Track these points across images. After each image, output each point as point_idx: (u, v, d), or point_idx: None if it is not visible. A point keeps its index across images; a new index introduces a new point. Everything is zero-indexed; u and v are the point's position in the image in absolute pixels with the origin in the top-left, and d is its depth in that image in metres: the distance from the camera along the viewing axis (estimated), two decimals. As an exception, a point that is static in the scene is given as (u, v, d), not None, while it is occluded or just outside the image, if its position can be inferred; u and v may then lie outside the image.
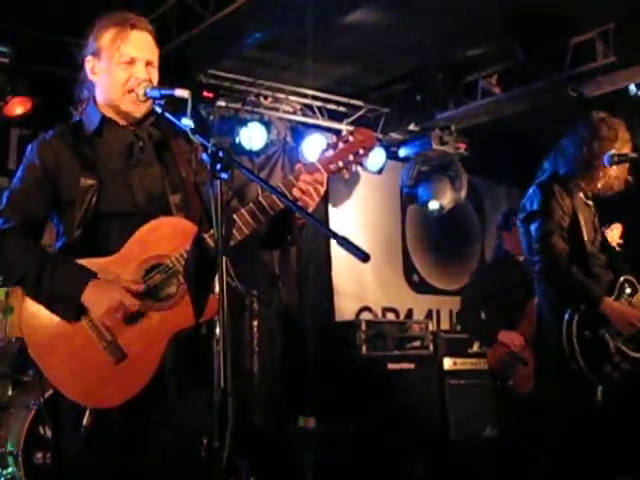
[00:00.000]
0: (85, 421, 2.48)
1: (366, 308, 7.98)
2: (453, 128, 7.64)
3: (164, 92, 2.54)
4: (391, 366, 6.85)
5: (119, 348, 2.48)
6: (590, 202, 4.09)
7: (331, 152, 2.60)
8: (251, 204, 2.55)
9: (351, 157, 2.59)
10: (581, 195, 4.05)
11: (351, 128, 2.72)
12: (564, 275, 3.82)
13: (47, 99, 6.08)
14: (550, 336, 3.87)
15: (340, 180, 7.31)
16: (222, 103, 6.98)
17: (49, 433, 4.58)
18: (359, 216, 8.12)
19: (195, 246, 2.50)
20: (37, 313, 2.53)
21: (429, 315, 8.51)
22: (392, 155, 7.97)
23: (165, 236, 2.54)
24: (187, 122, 2.42)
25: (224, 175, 2.22)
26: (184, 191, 2.68)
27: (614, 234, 4.53)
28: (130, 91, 2.61)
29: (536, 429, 4.99)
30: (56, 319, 2.51)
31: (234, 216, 2.53)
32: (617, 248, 4.39)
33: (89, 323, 2.49)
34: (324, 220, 7.50)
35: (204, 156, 2.27)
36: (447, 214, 8.32)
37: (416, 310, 8.42)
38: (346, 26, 5.96)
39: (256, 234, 2.60)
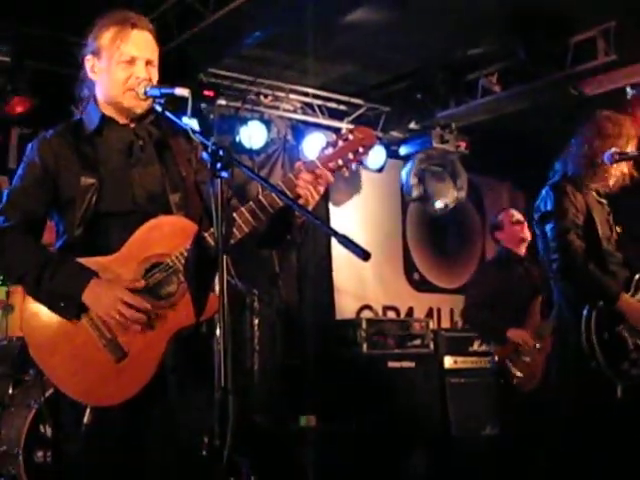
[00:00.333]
0: (86, 420, 2.48)
1: (367, 306, 7.98)
2: (454, 126, 7.64)
3: (164, 91, 2.54)
4: (392, 364, 6.85)
5: (119, 347, 2.48)
6: (603, 200, 4.10)
7: (331, 150, 2.59)
8: (251, 202, 2.55)
9: (351, 155, 2.59)
10: (593, 193, 4.06)
11: (351, 127, 2.72)
12: (582, 272, 3.83)
13: (47, 98, 6.09)
14: (569, 334, 3.88)
15: (341, 178, 7.30)
16: (222, 102, 6.99)
17: (50, 432, 4.58)
18: (360, 214, 8.12)
19: (195, 245, 2.50)
20: (38, 312, 2.53)
21: (430, 313, 8.51)
22: (392, 153, 7.97)
23: (165, 235, 2.54)
24: (187, 121, 2.42)
25: (224, 174, 2.22)
26: (184, 190, 2.68)
27: None
28: (130, 90, 2.61)
29: (539, 428, 5.01)
30: (56, 318, 2.51)
31: (234, 214, 2.53)
32: None
33: (89, 322, 2.49)
34: (325, 218, 7.49)
35: (204, 155, 2.27)
36: (447, 212, 8.33)
37: (417, 308, 8.42)
38: (346, 25, 5.97)
39: (256, 232, 2.60)
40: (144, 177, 2.65)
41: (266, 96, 7.28)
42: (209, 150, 2.24)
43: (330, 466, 5.93)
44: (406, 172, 7.98)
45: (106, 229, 2.58)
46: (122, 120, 2.70)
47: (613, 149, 3.93)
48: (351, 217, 8.02)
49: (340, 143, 2.60)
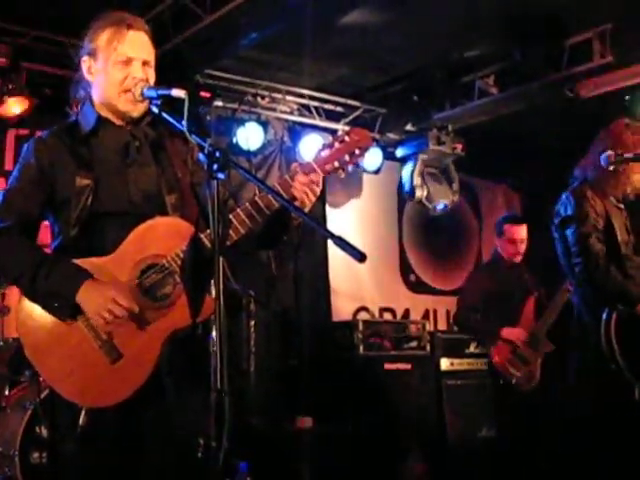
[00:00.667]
0: (81, 421, 2.48)
1: (363, 308, 7.98)
2: (450, 128, 7.65)
3: (161, 92, 2.54)
4: (388, 366, 6.84)
5: (115, 348, 2.48)
6: (621, 205, 4.17)
7: (327, 152, 2.60)
8: (247, 204, 2.55)
9: (347, 157, 2.59)
10: (612, 199, 4.12)
11: (348, 128, 2.72)
12: (603, 276, 3.91)
13: (44, 99, 6.09)
14: (589, 337, 3.95)
15: (337, 180, 7.33)
16: (219, 103, 6.99)
17: (45, 433, 4.58)
18: (356, 216, 8.12)
19: (191, 246, 2.50)
20: (33, 313, 2.53)
21: (426, 315, 8.51)
22: (389, 155, 7.96)
23: (161, 236, 2.54)
24: (183, 122, 2.42)
25: (221, 175, 2.22)
26: (180, 191, 2.68)
27: None
28: (126, 91, 2.60)
29: (536, 429, 5.04)
30: (52, 319, 2.51)
31: (230, 216, 2.53)
32: None
33: (85, 323, 2.49)
34: (321, 220, 7.50)
35: (201, 156, 2.27)
36: (444, 214, 8.33)
37: (413, 310, 8.42)
38: (343, 26, 5.96)
39: (252, 234, 2.60)
40: (140, 178, 2.65)
41: (263, 97, 7.28)
42: (206, 151, 2.24)
43: (326, 468, 5.93)
44: (408, 172, 7.92)
45: (102, 230, 2.57)
46: (118, 121, 2.70)
47: (609, 151, 3.96)
48: (347, 219, 8.02)
49: (336, 145, 2.60)
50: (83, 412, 2.48)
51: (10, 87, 5.87)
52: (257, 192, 2.57)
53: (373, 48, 6.47)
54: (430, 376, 7.02)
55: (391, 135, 7.92)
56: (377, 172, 7.84)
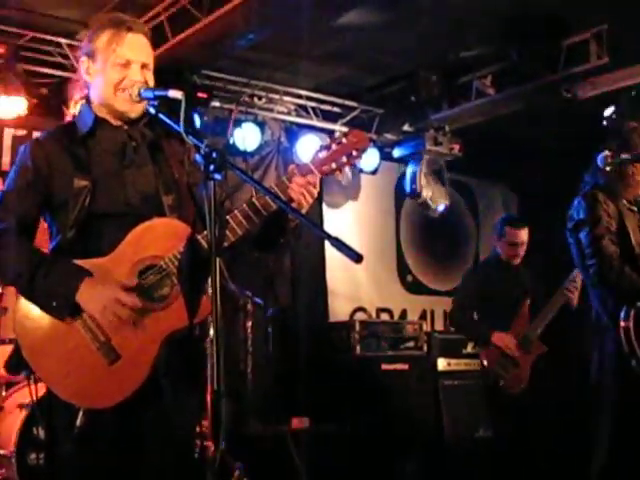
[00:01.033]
0: (78, 422, 2.48)
1: (360, 309, 7.99)
2: (447, 129, 7.65)
3: (158, 93, 2.54)
4: (385, 367, 6.85)
5: (113, 349, 2.48)
6: (634, 208, 4.19)
7: (324, 154, 2.60)
8: (244, 205, 2.55)
9: (344, 159, 2.59)
10: (624, 202, 4.15)
11: (345, 129, 2.72)
12: (618, 276, 3.93)
13: (41, 100, 6.08)
14: (607, 336, 3.98)
15: (334, 181, 7.34)
16: (216, 104, 6.99)
17: (42, 434, 4.57)
18: (353, 217, 8.12)
19: (188, 247, 2.50)
20: (31, 314, 2.53)
21: (423, 316, 8.52)
22: (386, 156, 7.96)
23: (159, 237, 2.54)
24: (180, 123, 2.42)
25: (217, 176, 2.22)
26: (177, 192, 2.68)
27: None
28: (122, 90, 2.60)
29: (526, 430, 5.06)
30: (50, 320, 2.51)
31: (227, 217, 2.53)
32: None
33: (82, 324, 2.49)
34: (319, 221, 7.50)
35: (197, 157, 2.27)
36: (441, 215, 8.33)
37: (410, 311, 8.43)
38: (340, 27, 5.96)
39: (249, 235, 2.60)
40: (137, 179, 2.65)
41: (260, 98, 7.28)
42: (202, 152, 2.24)
43: (324, 468, 5.94)
44: (412, 173, 7.89)
45: (99, 231, 2.57)
46: (115, 122, 2.70)
47: (605, 152, 3.98)
48: (345, 219, 8.03)
49: (333, 146, 2.60)
50: (80, 413, 2.47)
51: (7, 88, 5.86)
52: (254, 193, 2.57)
53: (370, 49, 6.48)
54: (427, 376, 7.02)
55: (388, 136, 7.91)
56: (374, 173, 7.84)
